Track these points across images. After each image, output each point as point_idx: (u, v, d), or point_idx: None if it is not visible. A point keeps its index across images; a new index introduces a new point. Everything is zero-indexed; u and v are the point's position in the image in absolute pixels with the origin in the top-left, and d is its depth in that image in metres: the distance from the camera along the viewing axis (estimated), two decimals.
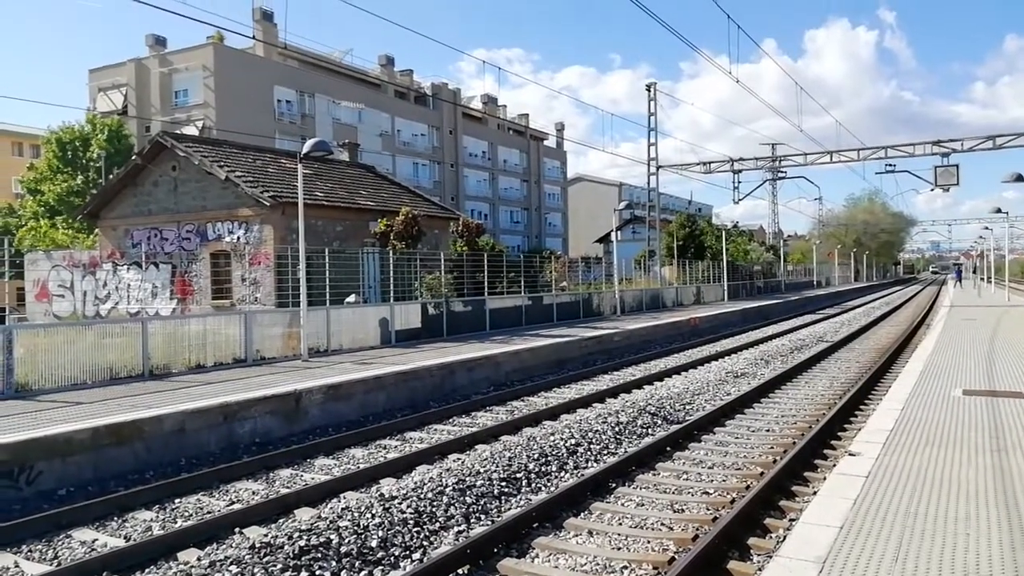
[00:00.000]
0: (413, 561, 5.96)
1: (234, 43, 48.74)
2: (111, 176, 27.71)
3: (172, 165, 22.40)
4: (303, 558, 5.73)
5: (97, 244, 25.40)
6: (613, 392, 13.46)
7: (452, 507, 6.97)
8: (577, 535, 6.45)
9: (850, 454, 6.79)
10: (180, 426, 9.39)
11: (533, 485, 7.85)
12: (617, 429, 10.09)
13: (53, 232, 34.35)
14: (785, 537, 5.41)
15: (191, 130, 42.11)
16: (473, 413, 12.06)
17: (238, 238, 20.90)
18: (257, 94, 47.62)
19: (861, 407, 11.60)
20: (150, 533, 6.77)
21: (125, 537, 6.73)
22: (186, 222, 22.05)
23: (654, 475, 8.22)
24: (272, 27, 47.27)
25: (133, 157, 24.92)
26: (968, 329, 19.55)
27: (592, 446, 9.28)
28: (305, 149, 14.61)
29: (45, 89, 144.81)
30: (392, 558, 5.98)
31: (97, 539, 6.67)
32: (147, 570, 5.83)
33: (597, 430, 9.92)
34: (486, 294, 22.15)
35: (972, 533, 4.69)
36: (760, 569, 5.39)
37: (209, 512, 7.30)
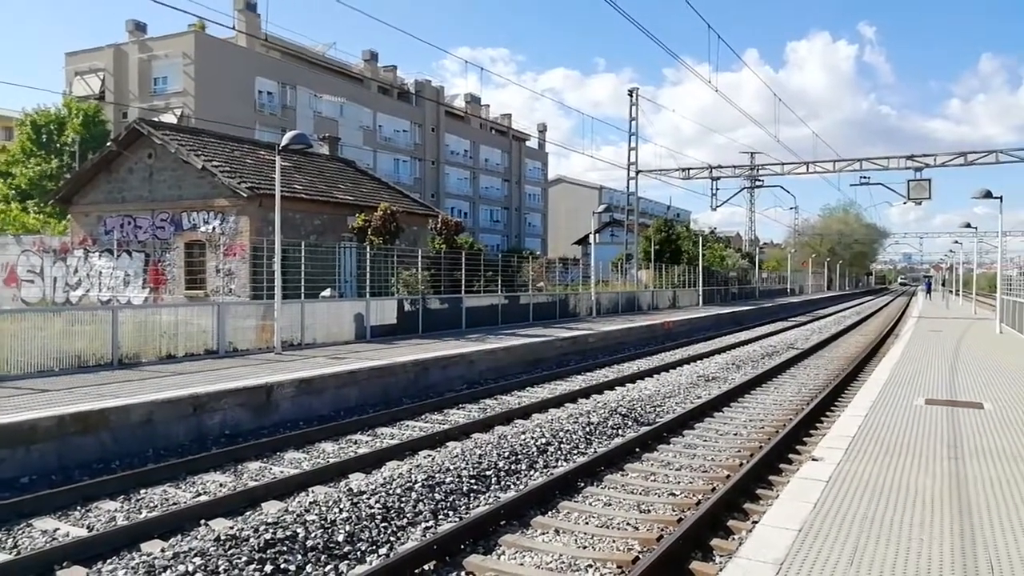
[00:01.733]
0: (380, 556, 5.97)
1: (216, 32, 48.19)
2: (85, 161, 27.25)
3: (148, 152, 22.11)
4: (268, 551, 5.72)
5: (69, 230, 24.98)
6: (585, 393, 13.55)
7: (421, 503, 6.99)
8: (544, 533, 6.51)
9: (813, 459, 6.93)
10: (148, 416, 9.29)
11: (502, 483, 7.90)
12: (588, 429, 10.17)
13: (24, 216, 33.66)
14: (746, 539, 5.51)
15: (169, 118, 41.53)
16: (446, 410, 12.08)
17: (213, 228, 20.69)
18: (238, 84, 47.09)
19: (827, 413, 11.80)
20: (114, 523, 6.70)
21: (88, 527, 6.66)
22: (161, 211, 21.77)
23: (622, 475, 8.31)
24: (255, 17, 46.79)
25: (108, 143, 24.54)
26: (934, 340, 19.96)
27: (562, 445, 9.34)
28: (284, 141, 14.52)
29: (20, 70, 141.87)
30: (358, 552, 5.99)
31: (59, 528, 6.59)
32: (109, 560, 5.77)
33: (568, 430, 9.99)
34: (463, 292, 22.15)
35: (926, 539, 4.82)
36: (721, 570, 5.48)
37: (175, 504, 7.25)
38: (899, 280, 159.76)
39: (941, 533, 4.92)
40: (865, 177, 36.44)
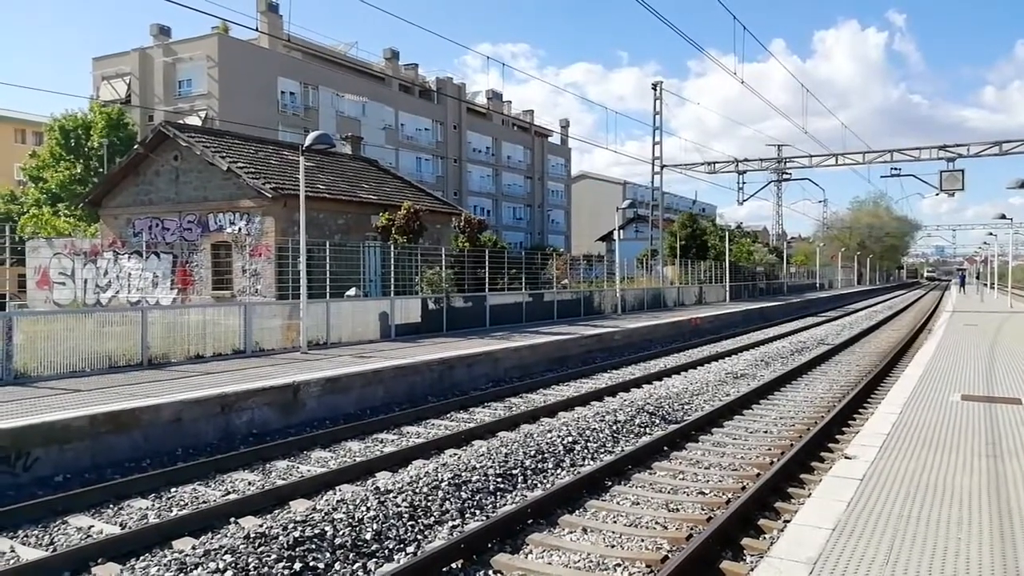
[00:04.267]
0: (407, 554, 5.97)
1: (239, 34, 48.71)
2: (113, 165, 27.73)
3: (174, 155, 22.40)
4: (297, 549, 5.74)
5: (99, 232, 25.42)
6: (612, 391, 13.46)
7: (447, 502, 6.98)
8: (571, 532, 6.46)
9: (846, 457, 6.80)
10: (178, 416, 9.41)
11: (529, 482, 7.86)
12: (615, 428, 10.09)
13: (55, 220, 34.36)
14: (778, 538, 5.41)
15: (194, 120, 42.07)
16: (471, 409, 12.07)
17: (239, 229, 20.91)
18: (261, 85, 47.57)
19: (860, 410, 11.59)
20: (146, 521, 6.79)
21: (121, 524, 6.75)
22: (187, 212, 22.05)
23: (650, 474, 8.23)
24: (277, 18, 47.30)
25: (135, 146, 24.91)
26: (969, 335, 19.53)
27: (589, 444, 9.28)
28: (308, 142, 14.61)
29: (49, 77, 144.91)
30: (386, 551, 6.00)
31: (93, 526, 6.69)
32: (142, 557, 5.85)
33: (595, 428, 9.92)
34: (487, 290, 22.14)
35: (963, 538, 4.69)
36: (752, 569, 5.39)
37: (205, 502, 7.33)
38: (926, 273, 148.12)
39: (980, 533, 4.78)
40: (896, 169, 35.83)
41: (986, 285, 57.06)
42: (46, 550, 6.18)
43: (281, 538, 5.85)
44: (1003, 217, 34.01)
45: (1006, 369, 12.66)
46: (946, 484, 5.85)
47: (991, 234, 53.08)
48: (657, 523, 6.64)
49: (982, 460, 6.58)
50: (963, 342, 17.44)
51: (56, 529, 6.63)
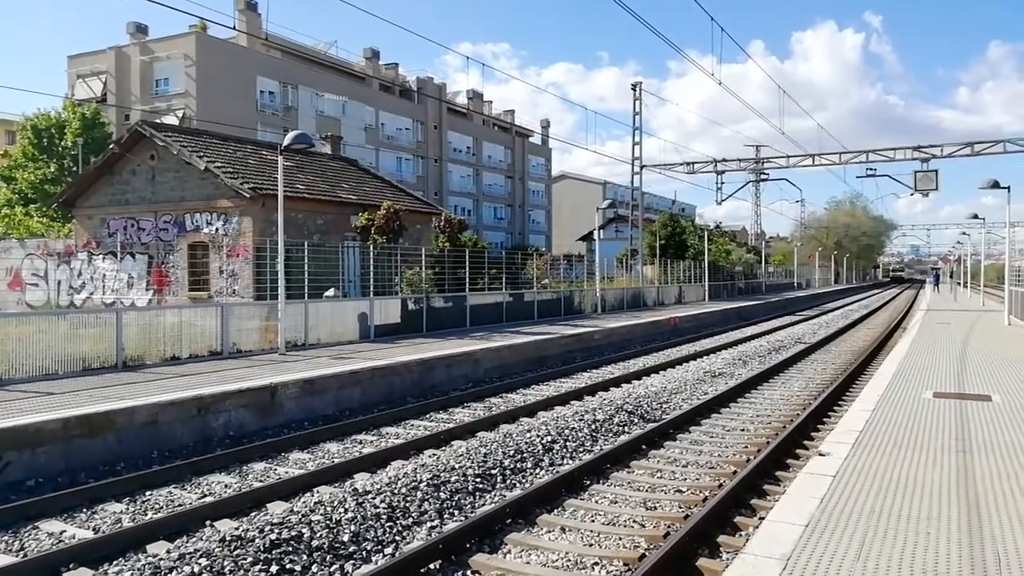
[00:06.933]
0: (385, 556, 5.96)
1: (217, 33, 48.22)
2: (88, 164, 27.33)
3: (150, 154, 22.14)
4: (274, 551, 5.71)
5: (72, 233, 25.05)
6: (591, 390, 13.51)
7: (426, 503, 6.97)
8: (550, 531, 6.48)
9: (820, 454, 6.89)
10: (153, 418, 9.30)
11: (508, 481, 7.88)
12: (594, 427, 10.14)
13: (27, 220, 33.80)
14: (753, 535, 5.47)
15: (171, 119, 41.56)
16: (450, 409, 12.06)
17: (217, 229, 20.71)
18: (239, 84, 47.11)
19: (835, 408, 11.74)
20: (119, 525, 6.71)
21: (94, 529, 6.66)
22: (164, 212, 21.81)
23: (629, 473, 8.28)
24: (255, 17, 46.82)
25: (111, 145, 24.58)
26: (942, 333, 19.86)
27: (568, 443, 9.32)
28: (286, 141, 14.50)
29: (21, 75, 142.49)
30: (364, 552, 5.98)
31: (65, 531, 6.60)
32: (115, 562, 5.77)
33: (574, 427, 9.96)
34: (467, 290, 22.13)
35: (933, 532, 4.78)
36: (727, 566, 5.44)
37: (180, 505, 7.25)
38: (891, 270, 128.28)
39: (949, 527, 4.87)
40: (871, 169, 36.40)
41: (960, 284, 58.03)
42: (16, 556, 6.08)
43: (257, 541, 5.81)
44: (976, 217, 34.62)
45: (977, 367, 12.89)
46: (917, 480, 5.95)
47: (964, 233, 54.03)
48: (635, 521, 6.68)
49: (952, 456, 6.70)
50: (936, 340, 17.74)
51: (27, 534, 6.52)
